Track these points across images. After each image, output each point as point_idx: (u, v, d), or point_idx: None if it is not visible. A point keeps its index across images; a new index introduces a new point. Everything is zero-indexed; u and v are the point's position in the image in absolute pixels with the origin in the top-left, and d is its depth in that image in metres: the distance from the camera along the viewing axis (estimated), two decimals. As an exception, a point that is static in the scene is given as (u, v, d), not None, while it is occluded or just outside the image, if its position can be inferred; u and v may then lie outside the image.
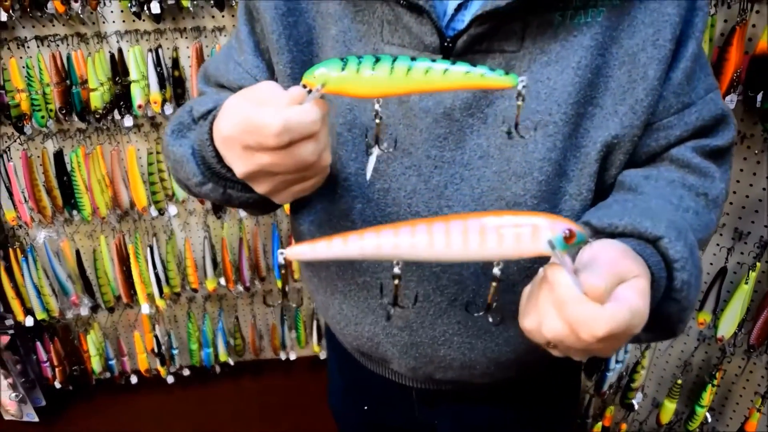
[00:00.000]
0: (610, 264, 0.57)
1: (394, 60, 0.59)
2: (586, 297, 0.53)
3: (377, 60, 0.59)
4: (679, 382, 1.93)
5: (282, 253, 0.58)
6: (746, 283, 1.70)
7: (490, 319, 0.67)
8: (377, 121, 0.64)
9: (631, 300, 0.55)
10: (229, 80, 0.87)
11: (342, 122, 0.81)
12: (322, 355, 2.55)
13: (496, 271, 0.60)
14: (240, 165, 0.63)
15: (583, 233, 0.54)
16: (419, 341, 0.89)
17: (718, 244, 1.81)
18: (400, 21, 0.76)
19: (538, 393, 1.04)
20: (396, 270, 0.62)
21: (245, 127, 0.59)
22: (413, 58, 0.59)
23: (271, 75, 0.86)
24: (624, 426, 2.15)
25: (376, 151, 0.66)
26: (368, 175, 0.67)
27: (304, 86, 0.60)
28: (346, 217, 0.85)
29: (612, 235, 0.69)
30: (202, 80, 0.94)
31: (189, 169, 0.74)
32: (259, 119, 0.58)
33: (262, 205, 0.73)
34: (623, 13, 0.74)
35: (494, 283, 0.62)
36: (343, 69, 0.59)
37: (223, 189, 0.75)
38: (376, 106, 0.63)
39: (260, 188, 0.66)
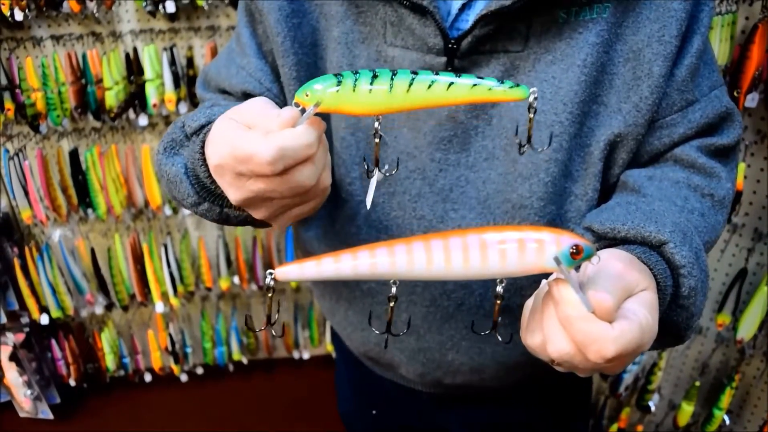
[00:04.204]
0: (616, 277, 0.55)
1: (394, 75, 0.55)
2: (593, 315, 0.51)
3: (375, 75, 0.55)
4: (697, 383, 1.90)
5: (271, 273, 0.53)
6: (767, 284, 1.66)
7: (500, 338, 0.65)
8: (376, 140, 0.60)
9: (641, 316, 0.53)
10: (231, 84, 0.85)
11: (345, 126, 0.80)
12: (335, 354, 2.54)
13: (499, 289, 0.58)
14: (233, 193, 0.60)
15: (591, 248, 0.51)
16: (427, 346, 0.88)
17: (737, 245, 1.78)
18: (403, 22, 0.74)
19: (548, 394, 1.02)
20: (393, 290, 0.58)
21: (236, 155, 0.56)
22: (415, 72, 0.55)
23: (276, 78, 0.84)
24: (640, 428, 2.12)
25: (377, 175, 0.62)
26: (368, 204, 0.63)
27: (297, 105, 0.57)
28: (351, 221, 0.84)
29: (614, 239, 0.68)
30: (201, 86, 0.92)
31: (183, 189, 0.70)
32: (251, 147, 0.54)
33: (262, 222, 0.71)
34: (629, 9, 0.72)
35: (498, 302, 0.59)
36: (338, 86, 0.55)
37: (220, 209, 0.71)
38: (375, 124, 0.59)
39: (257, 214, 0.64)
